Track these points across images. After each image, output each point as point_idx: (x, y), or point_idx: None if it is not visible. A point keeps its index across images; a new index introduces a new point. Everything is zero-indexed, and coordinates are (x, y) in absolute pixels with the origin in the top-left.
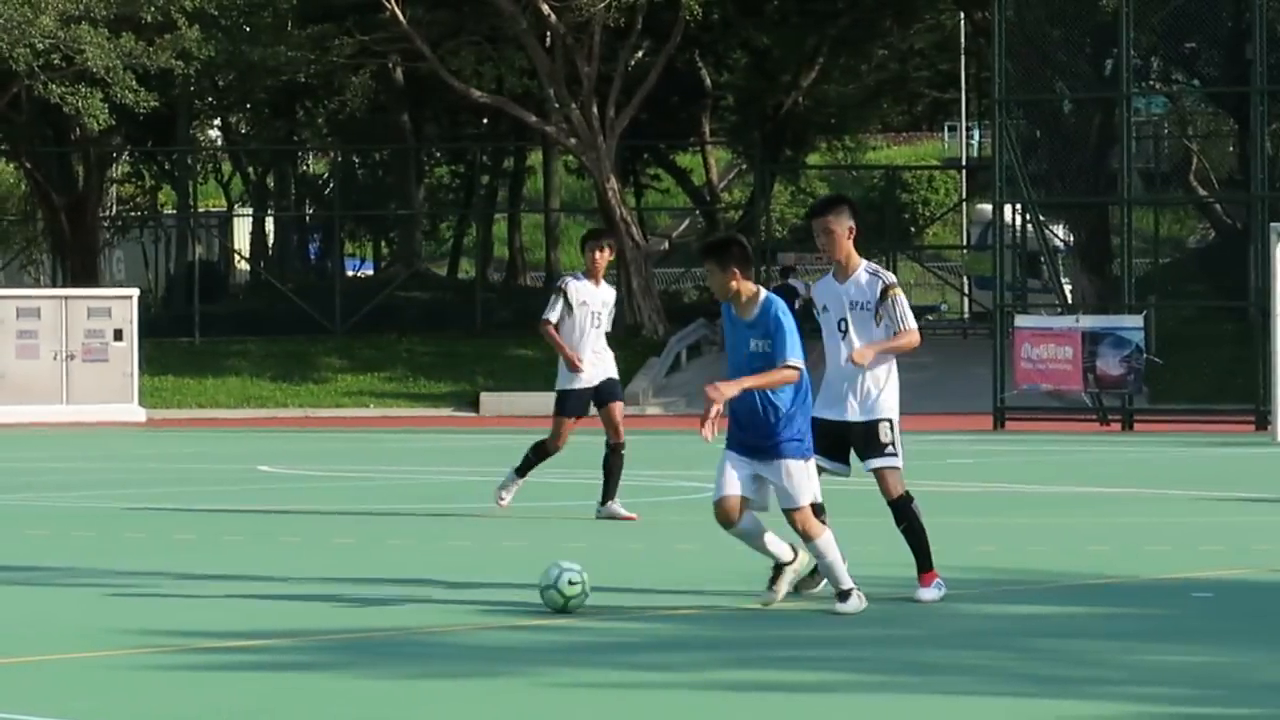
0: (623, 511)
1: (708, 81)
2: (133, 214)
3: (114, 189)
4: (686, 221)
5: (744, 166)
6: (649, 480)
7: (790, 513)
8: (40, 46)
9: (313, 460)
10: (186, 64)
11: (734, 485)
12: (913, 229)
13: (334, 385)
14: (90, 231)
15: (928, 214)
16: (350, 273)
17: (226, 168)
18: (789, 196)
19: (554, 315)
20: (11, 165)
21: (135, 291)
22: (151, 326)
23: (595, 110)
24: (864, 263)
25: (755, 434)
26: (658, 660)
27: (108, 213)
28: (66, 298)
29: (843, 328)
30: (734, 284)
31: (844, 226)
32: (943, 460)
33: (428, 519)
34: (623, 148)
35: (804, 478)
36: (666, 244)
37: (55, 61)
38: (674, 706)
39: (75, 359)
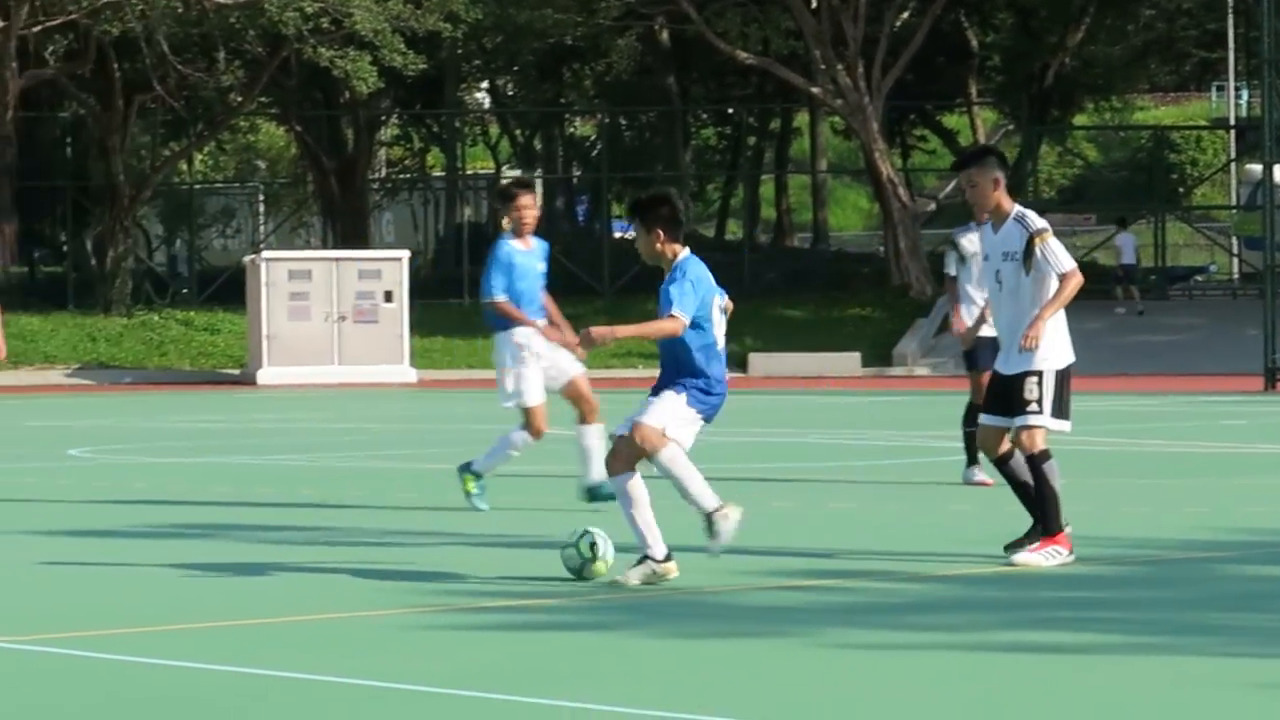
0: None
1: (974, 42)
2: (401, 176)
3: (383, 152)
4: (953, 182)
5: (1010, 127)
6: (918, 441)
7: (635, 427)
8: (309, 10)
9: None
10: (454, 26)
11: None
12: (1180, 189)
13: (603, 347)
14: (359, 194)
15: (1195, 174)
16: (617, 234)
17: (494, 130)
18: (1056, 157)
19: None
20: (282, 129)
21: (405, 253)
22: (420, 288)
23: (861, 71)
24: (1015, 209)
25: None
26: (933, 621)
27: (377, 175)
28: (337, 260)
29: (999, 278)
30: (658, 246)
31: (988, 178)
32: (1215, 421)
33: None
34: (889, 109)
35: (665, 405)
36: (933, 204)
37: (324, 25)
38: (949, 668)
39: (346, 321)
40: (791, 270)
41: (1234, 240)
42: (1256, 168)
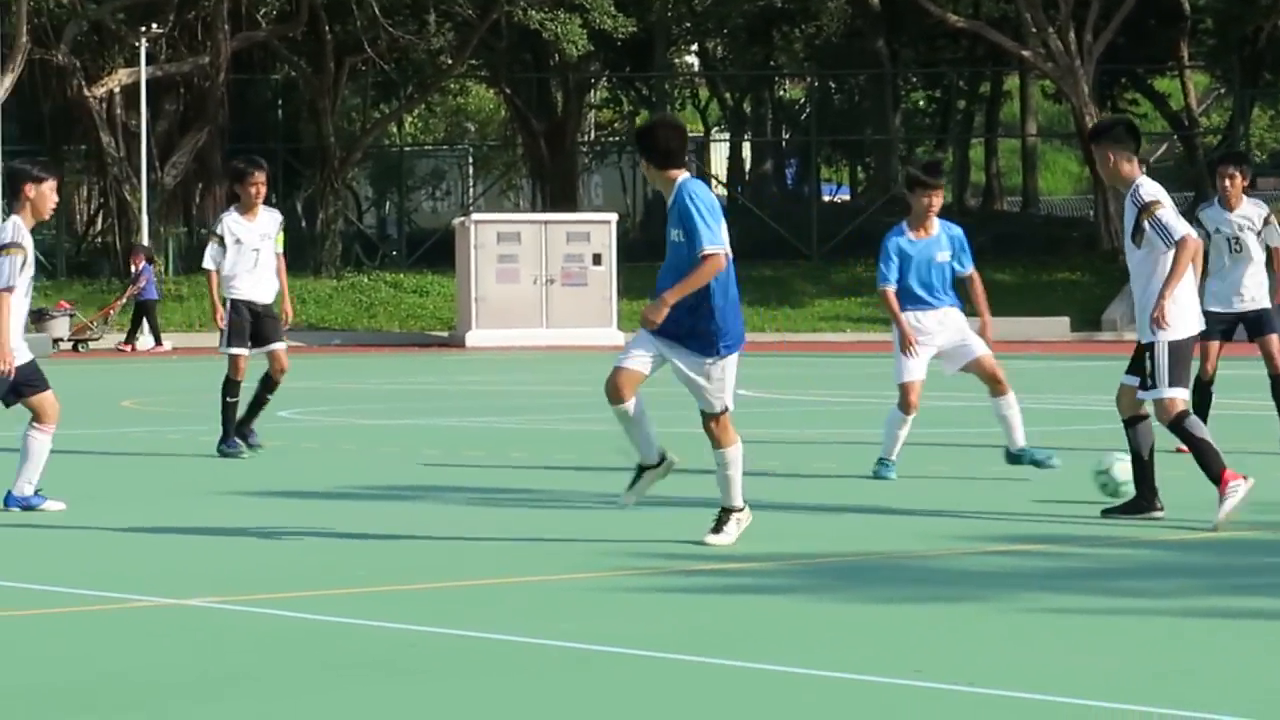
0: None
1: (1186, 5)
2: (611, 139)
3: (592, 114)
4: (1164, 146)
5: (1222, 90)
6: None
7: (707, 417)
8: None
9: (791, 385)
10: None
11: (637, 360)
12: None
13: (811, 309)
14: (569, 157)
15: None
16: (826, 198)
17: (703, 93)
18: (1269, 121)
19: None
20: (492, 91)
21: (613, 216)
22: (629, 251)
23: (1072, 35)
24: (1136, 181)
25: (678, 324)
26: (1137, 586)
27: (586, 138)
28: (546, 222)
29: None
30: (661, 173)
31: (1117, 153)
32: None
33: (909, 444)
34: (1100, 72)
35: (727, 380)
36: (1144, 169)
37: None
38: (1153, 633)
39: (554, 283)
40: (1001, 234)
41: None
42: None
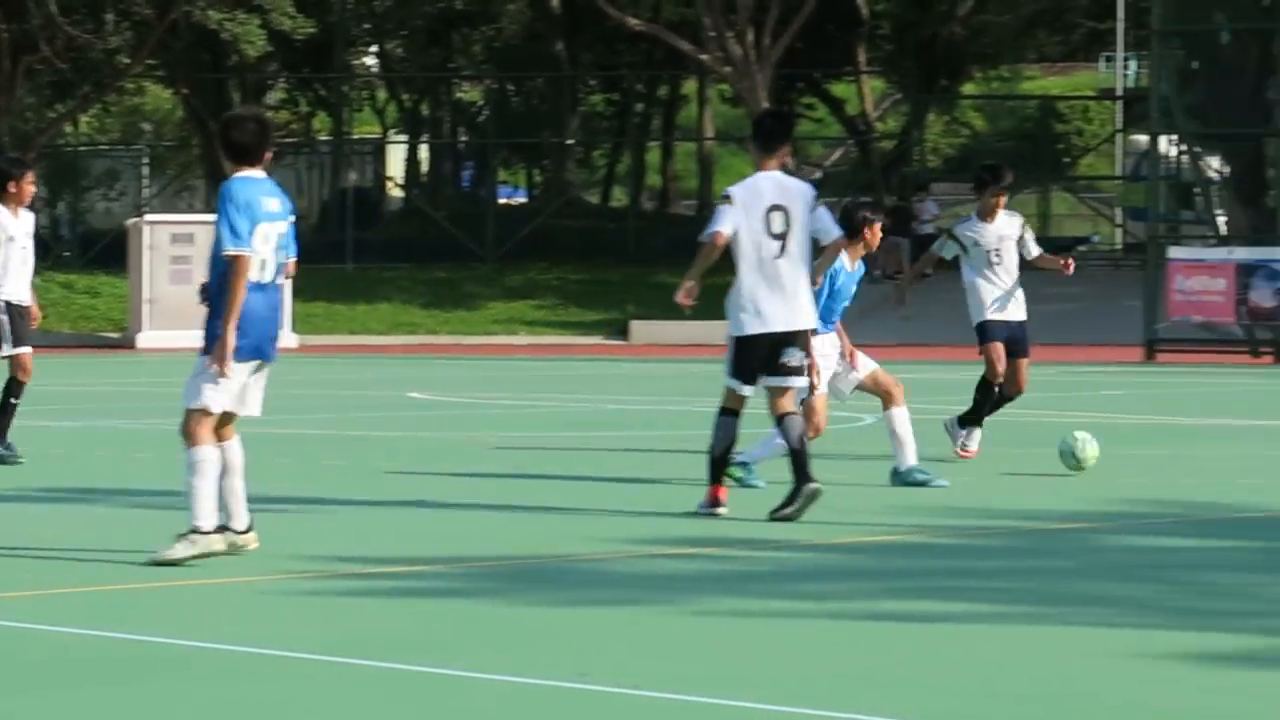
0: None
1: (864, 10)
2: (288, 140)
3: (269, 115)
4: (840, 151)
5: (899, 96)
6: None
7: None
8: None
9: (463, 388)
10: None
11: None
12: (1066, 160)
13: (485, 313)
14: None
15: (1082, 145)
16: (503, 200)
17: (381, 94)
18: (943, 126)
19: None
20: (169, 91)
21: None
22: (305, 252)
23: (751, 39)
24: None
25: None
26: (814, 590)
27: None
28: None
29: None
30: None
31: None
32: (1095, 391)
33: (576, 446)
34: (777, 76)
35: (197, 378)
36: (820, 173)
37: None
38: (821, 637)
39: None
40: (676, 237)
41: (1118, 211)
42: (1142, 139)
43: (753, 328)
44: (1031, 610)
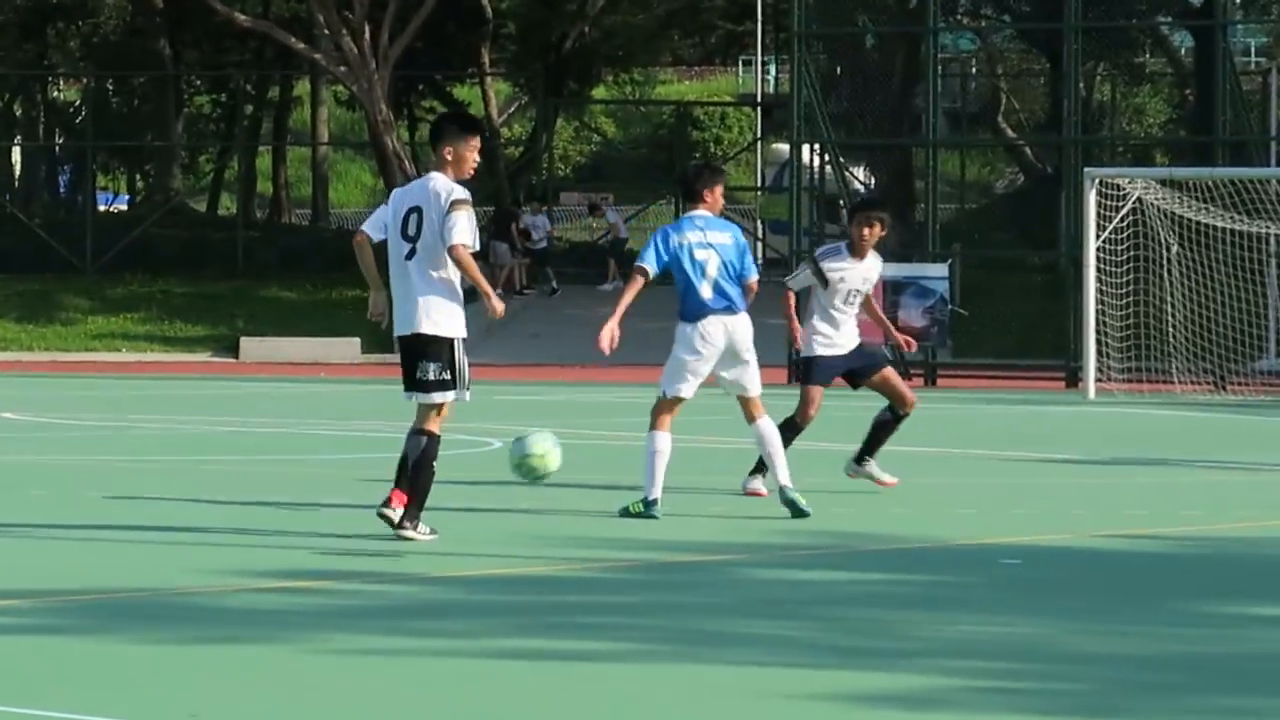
0: None
1: (488, 9)
2: None
3: None
4: None
5: (525, 100)
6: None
7: None
8: None
9: (61, 408)
10: None
11: None
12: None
13: (83, 328)
14: None
15: (720, 153)
16: (102, 207)
17: None
18: (573, 132)
19: None
20: None
21: None
22: None
23: (368, 37)
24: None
25: None
26: (434, 626)
27: None
28: None
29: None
30: None
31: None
32: (717, 416)
33: (184, 472)
34: (397, 78)
35: None
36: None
37: None
38: (448, 676)
39: None
40: (289, 249)
41: (759, 224)
42: (783, 148)
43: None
44: (673, 649)
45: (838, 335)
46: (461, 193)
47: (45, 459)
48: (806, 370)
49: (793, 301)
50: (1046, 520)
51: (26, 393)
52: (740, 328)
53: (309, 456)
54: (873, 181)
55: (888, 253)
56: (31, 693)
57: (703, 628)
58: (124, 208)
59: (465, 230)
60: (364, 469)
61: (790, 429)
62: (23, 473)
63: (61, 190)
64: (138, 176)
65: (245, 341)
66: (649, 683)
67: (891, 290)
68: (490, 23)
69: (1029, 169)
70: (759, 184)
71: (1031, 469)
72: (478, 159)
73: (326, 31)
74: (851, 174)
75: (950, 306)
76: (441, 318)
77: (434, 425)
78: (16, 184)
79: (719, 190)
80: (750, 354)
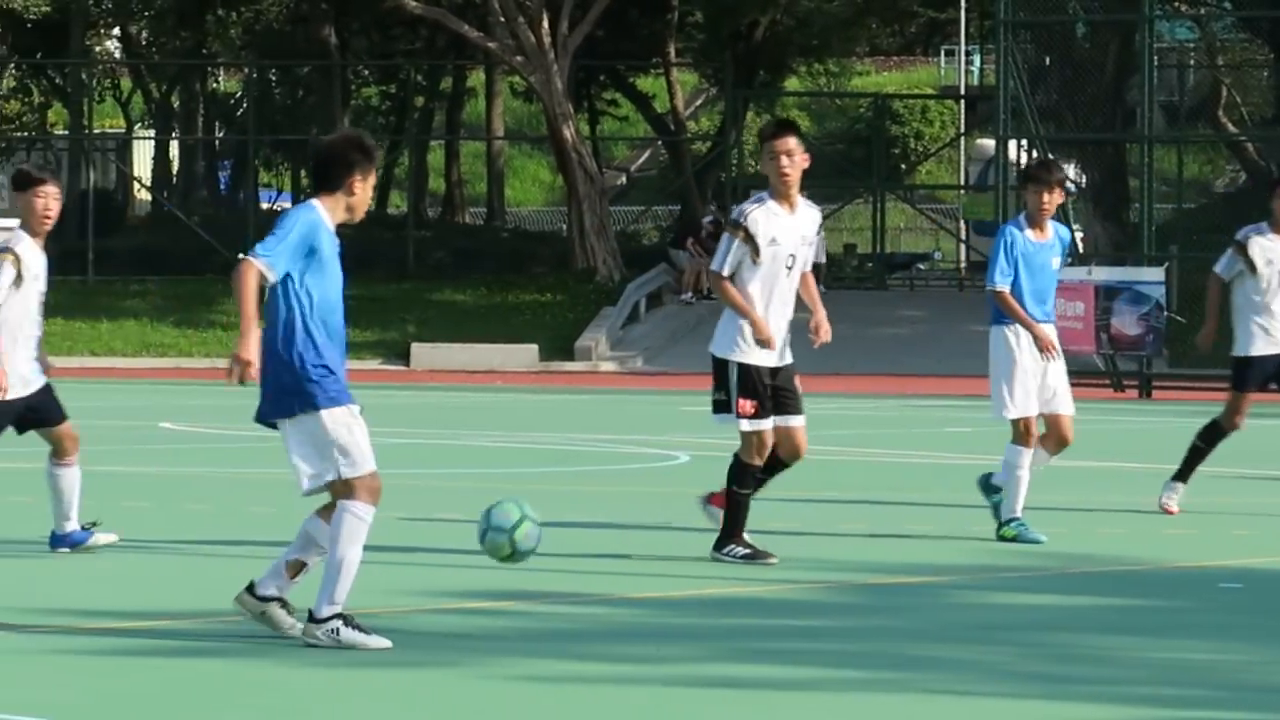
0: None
1: None
2: (18, 134)
3: None
4: (648, 153)
5: (713, 92)
6: (602, 446)
7: None
8: None
9: (220, 417)
10: None
11: None
12: (903, 166)
13: None
14: None
15: (921, 149)
16: (265, 205)
17: (126, 84)
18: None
19: None
20: None
21: (15, 222)
22: None
23: (546, 25)
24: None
25: None
26: (614, 651)
27: None
28: None
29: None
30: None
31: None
32: (939, 428)
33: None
34: (576, 68)
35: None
36: (624, 178)
37: None
38: (639, 705)
39: None
40: (462, 249)
41: (962, 224)
42: (988, 143)
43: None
44: (872, 676)
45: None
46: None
47: (205, 470)
48: (1241, 373)
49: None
50: (1270, 543)
51: (185, 401)
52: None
53: (482, 470)
54: (1084, 180)
55: (1100, 256)
56: (196, 717)
57: (903, 653)
58: (287, 205)
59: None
60: (539, 483)
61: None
62: (182, 485)
63: (222, 187)
64: (302, 172)
65: (416, 347)
66: (846, 712)
67: (1104, 295)
68: (676, 10)
69: (1251, 167)
70: (963, 182)
71: (1254, 488)
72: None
73: (502, 19)
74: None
75: (1166, 313)
76: None
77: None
78: (175, 180)
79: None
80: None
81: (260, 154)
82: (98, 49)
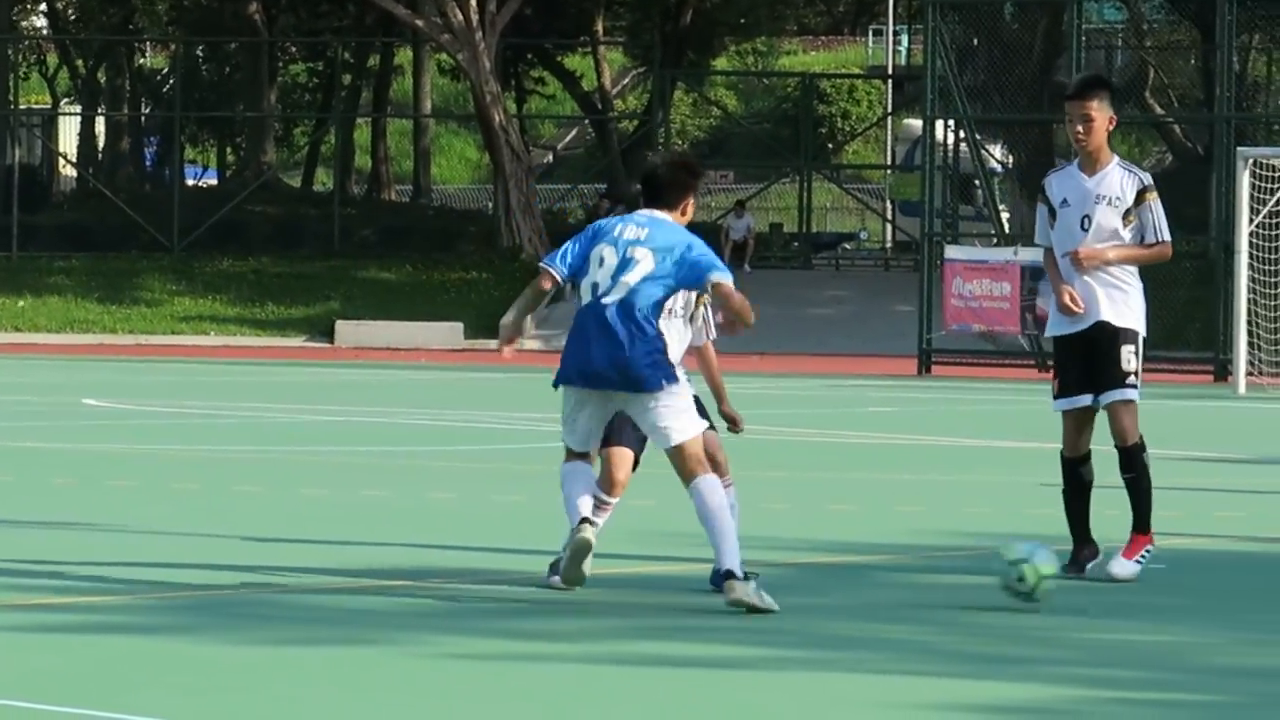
0: None
1: None
2: None
3: None
4: (574, 131)
5: (641, 71)
6: (523, 424)
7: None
8: None
9: (146, 394)
10: None
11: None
12: (830, 145)
13: (169, 309)
14: None
15: (848, 129)
16: (191, 182)
17: (53, 59)
18: (691, 106)
19: None
20: None
21: None
22: None
23: (474, 3)
24: (1116, 158)
25: None
26: (549, 629)
27: None
28: None
29: (1085, 225)
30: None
31: (1106, 115)
32: (861, 408)
33: (276, 463)
34: (504, 46)
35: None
36: (551, 156)
37: None
38: (567, 682)
39: None
40: (388, 227)
41: (889, 204)
42: (916, 123)
43: None
44: (800, 655)
45: None
46: None
47: (130, 448)
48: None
49: None
50: (1194, 523)
51: (109, 377)
52: None
53: (408, 448)
54: (1010, 160)
55: (1026, 237)
56: (120, 694)
57: (832, 632)
58: (213, 182)
59: None
60: (461, 460)
61: None
62: (108, 463)
63: (148, 163)
64: (228, 149)
65: (341, 325)
66: (770, 690)
67: (1029, 276)
68: None
69: (1178, 149)
70: (889, 162)
71: (1176, 468)
72: None
73: None
74: (988, 152)
75: None
76: None
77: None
78: (100, 156)
79: None
80: None
81: (186, 130)
82: (24, 24)
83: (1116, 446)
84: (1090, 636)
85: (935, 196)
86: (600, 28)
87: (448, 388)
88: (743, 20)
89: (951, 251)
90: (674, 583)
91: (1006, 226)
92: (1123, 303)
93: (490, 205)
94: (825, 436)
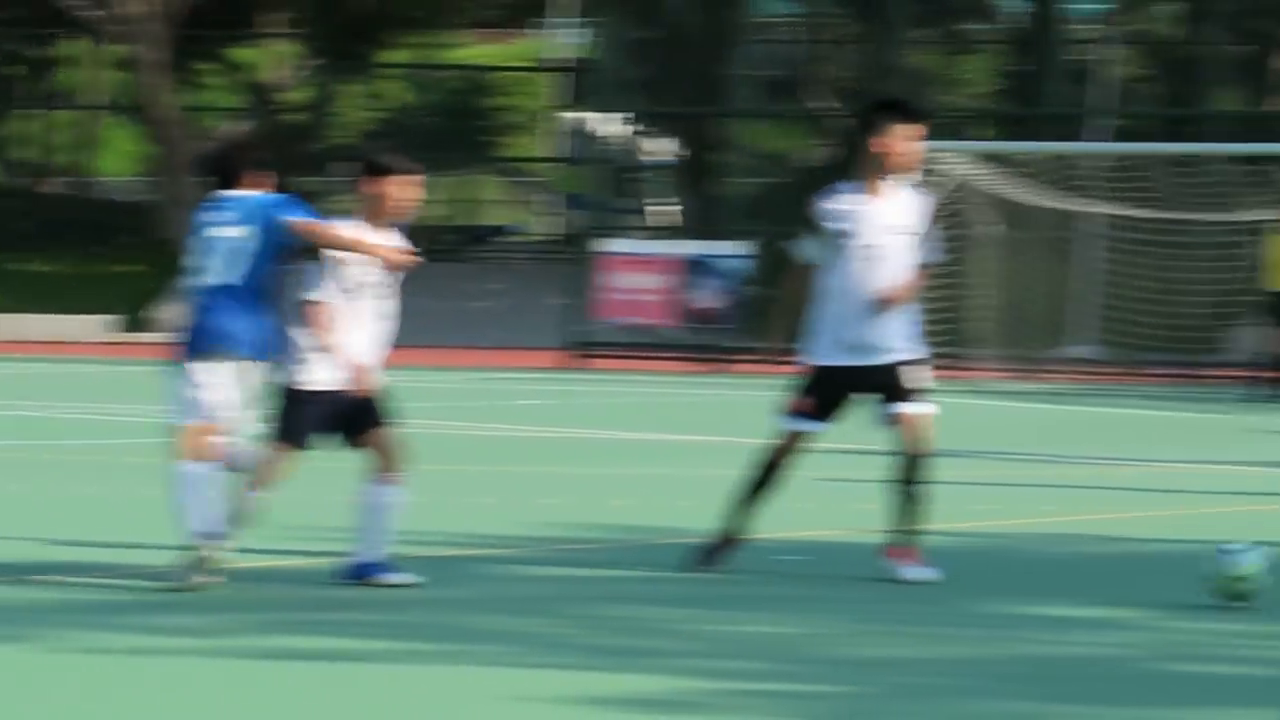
0: None
1: None
2: None
3: None
4: (245, 124)
5: (312, 62)
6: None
7: None
8: None
9: None
10: None
11: None
12: (494, 138)
13: None
14: None
15: (515, 122)
16: None
17: None
18: (364, 98)
19: None
20: None
21: None
22: None
23: None
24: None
25: None
26: (172, 624)
27: None
28: None
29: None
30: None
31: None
32: (509, 401)
33: None
34: (173, 37)
35: None
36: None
37: None
38: (179, 678)
39: None
40: (49, 219)
41: (552, 197)
42: (583, 116)
43: None
44: (421, 647)
45: None
46: None
47: None
48: None
49: None
50: (829, 516)
51: None
52: None
53: (48, 442)
54: (673, 153)
55: (684, 230)
56: None
57: (456, 624)
58: None
59: None
60: (98, 454)
61: None
62: None
63: None
64: None
65: None
66: (399, 684)
67: (686, 269)
68: None
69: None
70: (554, 155)
71: (821, 461)
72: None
73: None
74: (641, 146)
75: (749, 288)
76: None
77: None
78: None
79: None
80: None
81: None
82: None
83: None
84: (719, 629)
85: (594, 190)
86: (270, 19)
87: (93, 381)
88: (417, 13)
89: (608, 244)
90: (292, 576)
91: (653, 219)
92: None
93: (153, 198)
94: (473, 430)
